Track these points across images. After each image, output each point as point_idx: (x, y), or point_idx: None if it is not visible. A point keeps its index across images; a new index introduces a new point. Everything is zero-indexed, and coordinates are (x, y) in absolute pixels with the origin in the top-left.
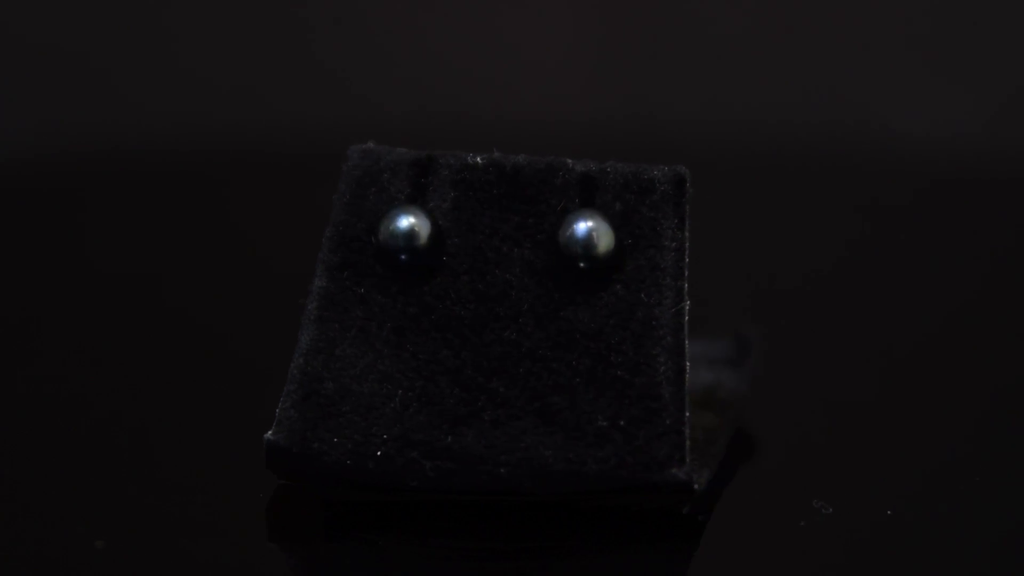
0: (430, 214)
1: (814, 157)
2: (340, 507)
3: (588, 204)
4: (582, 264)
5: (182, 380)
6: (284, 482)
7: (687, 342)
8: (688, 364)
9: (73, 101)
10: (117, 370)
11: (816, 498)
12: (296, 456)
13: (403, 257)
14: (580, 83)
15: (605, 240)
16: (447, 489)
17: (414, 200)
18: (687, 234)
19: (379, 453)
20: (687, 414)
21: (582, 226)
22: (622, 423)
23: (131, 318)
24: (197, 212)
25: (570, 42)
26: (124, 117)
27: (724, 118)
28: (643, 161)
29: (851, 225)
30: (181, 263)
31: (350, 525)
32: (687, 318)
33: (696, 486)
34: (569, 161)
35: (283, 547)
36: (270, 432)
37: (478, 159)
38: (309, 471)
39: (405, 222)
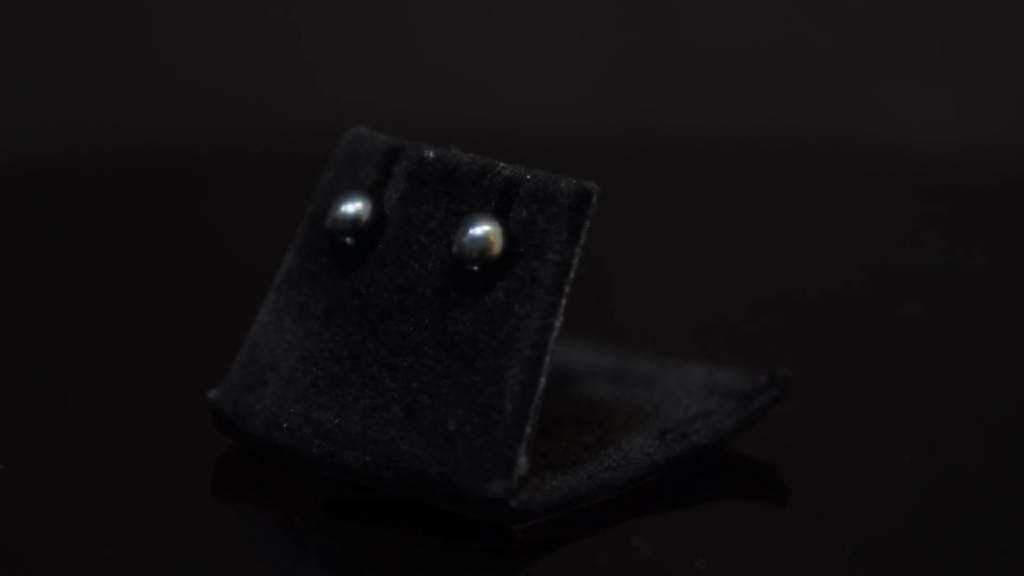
0: (378, 202)
1: (816, 160)
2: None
3: (504, 208)
4: (475, 267)
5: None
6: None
7: (547, 358)
8: (544, 380)
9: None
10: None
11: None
12: (227, 417)
13: (348, 240)
14: (582, 85)
15: (490, 246)
16: (330, 469)
17: (378, 187)
18: (578, 250)
19: (284, 426)
20: (528, 430)
21: (472, 230)
22: (467, 429)
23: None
24: (186, 213)
25: (573, 43)
26: (113, 119)
27: (725, 119)
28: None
29: (852, 226)
30: (169, 264)
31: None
32: (554, 334)
33: (512, 503)
34: (501, 164)
35: (226, 504)
36: (214, 390)
37: (430, 153)
38: (237, 433)
39: (350, 207)
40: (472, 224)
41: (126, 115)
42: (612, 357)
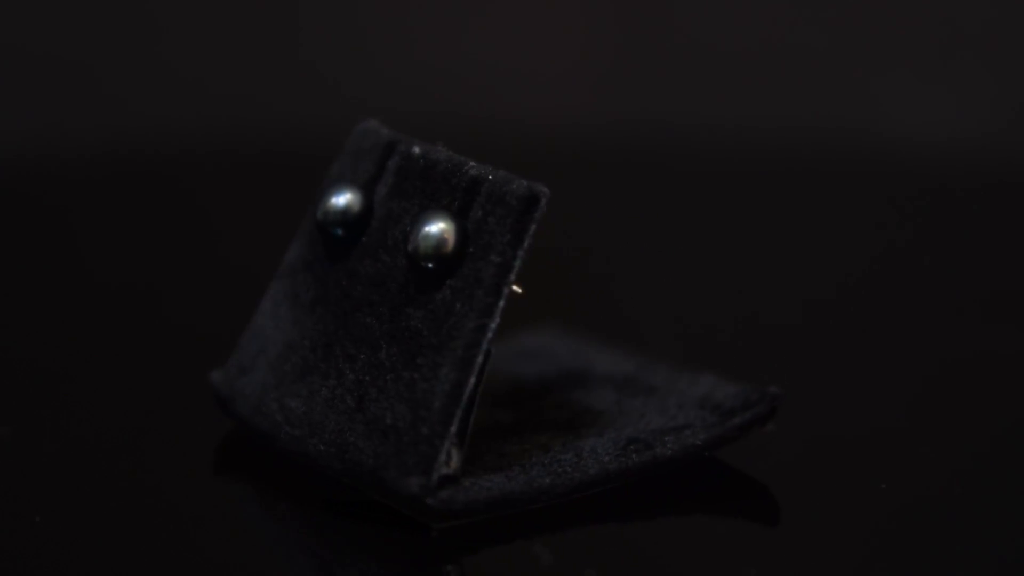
0: (369, 195)
1: (816, 160)
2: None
3: (465, 207)
4: (428, 264)
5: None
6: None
7: (479, 359)
8: (475, 382)
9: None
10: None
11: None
12: (223, 398)
13: (338, 232)
14: (582, 84)
15: (441, 244)
16: (297, 455)
17: (373, 181)
18: (520, 253)
19: (263, 411)
20: (453, 429)
21: (425, 228)
22: (400, 425)
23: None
24: (187, 212)
25: (573, 43)
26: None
27: (725, 119)
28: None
29: (854, 228)
30: (170, 262)
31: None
32: (489, 335)
33: (429, 500)
34: (471, 163)
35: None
36: (216, 371)
37: (416, 149)
38: (231, 415)
39: (339, 200)
40: (426, 222)
41: (126, 115)
42: (633, 365)
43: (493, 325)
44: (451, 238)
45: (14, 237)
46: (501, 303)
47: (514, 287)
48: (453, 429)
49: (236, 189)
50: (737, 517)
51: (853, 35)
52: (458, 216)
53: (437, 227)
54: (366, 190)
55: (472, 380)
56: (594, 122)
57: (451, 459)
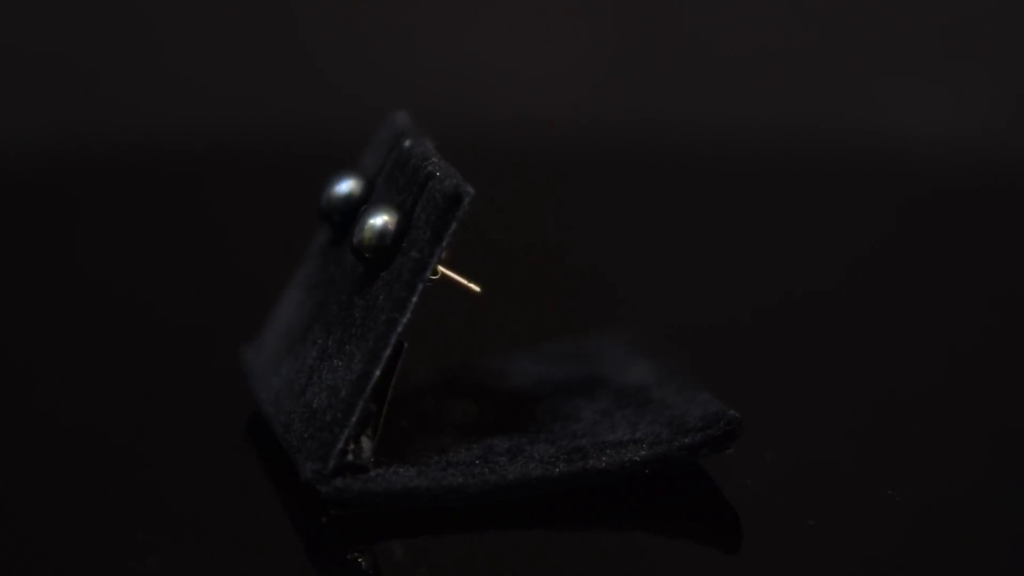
0: (370, 186)
1: (819, 160)
2: None
3: (415, 203)
4: (367, 255)
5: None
6: None
7: (386, 351)
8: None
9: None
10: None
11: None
12: (243, 373)
13: (336, 219)
14: (582, 84)
15: (375, 236)
16: (273, 431)
17: (378, 172)
18: (438, 251)
19: (259, 388)
20: (354, 418)
21: (366, 220)
22: (318, 410)
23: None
24: (187, 212)
25: (574, 42)
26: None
27: (725, 118)
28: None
29: (856, 228)
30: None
31: None
32: (398, 329)
33: (320, 487)
34: (432, 159)
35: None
36: (247, 345)
37: (407, 143)
38: (248, 390)
39: (335, 189)
40: (370, 215)
41: (132, 112)
42: (656, 376)
43: (403, 319)
44: (389, 232)
45: (17, 233)
46: (414, 299)
47: (471, 285)
48: (354, 419)
49: (239, 187)
50: (674, 538)
51: (854, 34)
52: (408, 211)
53: (378, 220)
54: (372, 181)
55: (377, 372)
56: (593, 120)
57: (361, 448)
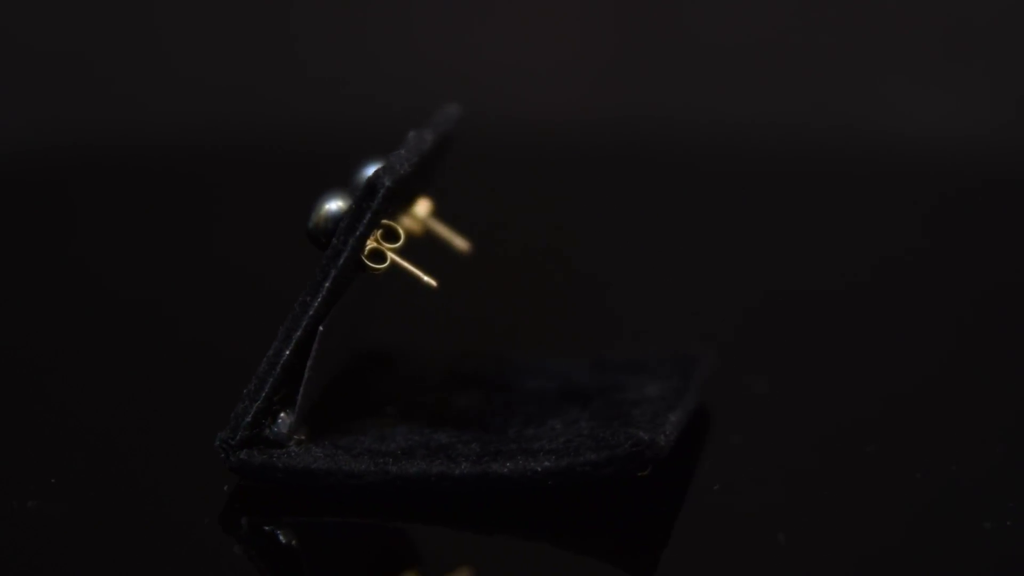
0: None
1: (820, 159)
2: None
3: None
4: (322, 240)
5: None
6: None
7: (297, 333)
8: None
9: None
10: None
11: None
12: None
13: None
14: (582, 80)
15: (319, 221)
16: None
17: None
18: (351, 240)
19: None
20: (263, 394)
21: (317, 205)
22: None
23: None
24: (189, 210)
25: (574, 39)
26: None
27: (725, 115)
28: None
29: (853, 224)
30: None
31: None
32: (310, 312)
33: (221, 456)
34: (401, 152)
35: None
36: None
37: (412, 133)
38: None
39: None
40: (325, 201)
41: (134, 110)
42: (659, 393)
43: (315, 303)
44: (329, 219)
45: (17, 231)
46: (327, 284)
47: (425, 278)
48: (264, 394)
49: (242, 186)
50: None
51: (855, 32)
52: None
53: (332, 205)
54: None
55: (287, 352)
56: (593, 118)
57: (278, 424)
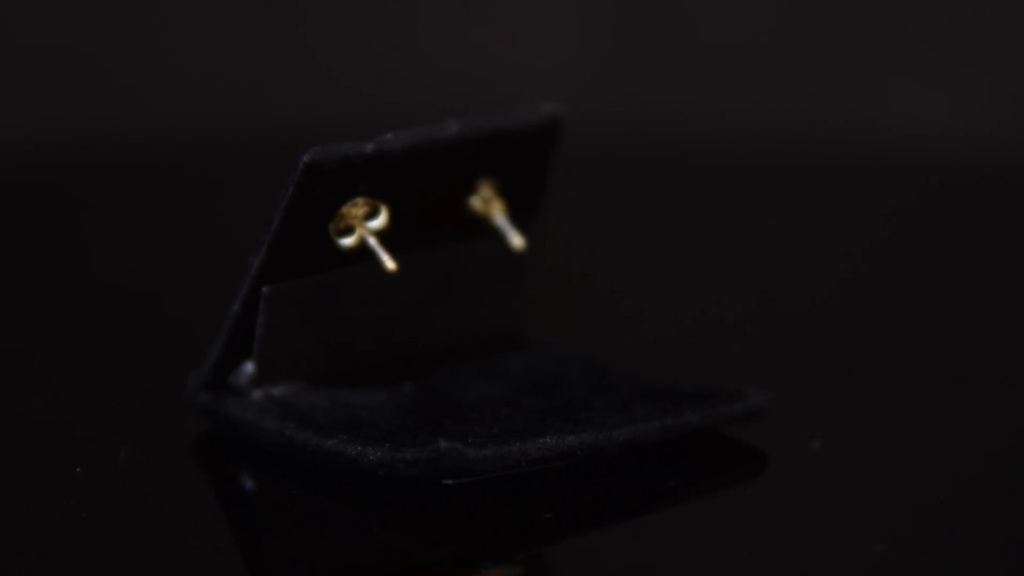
0: None
1: (820, 156)
2: None
3: None
4: None
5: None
6: None
7: (242, 291)
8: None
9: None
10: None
11: None
12: None
13: None
14: (582, 77)
15: None
16: None
17: None
18: (276, 212)
19: None
20: (221, 341)
21: None
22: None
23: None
24: (193, 208)
25: (573, 36)
26: (121, 111)
27: (725, 113)
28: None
29: (853, 224)
30: (175, 258)
31: None
32: (251, 272)
33: (188, 393)
34: (390, 135)
35: None
36: None
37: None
38: None
39: None
40: None
41: (138, 107)
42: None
43: (256, 264)
44: None
45: (21, 229)
46: (264, 250)
47: (386, 261)
48: (220, 344)
49: (245, 184)
50: None
51: (853, 30)
52: None
53: None
54: None
55: (235, 307)
56: (593, 115)
57: (239, 373)
